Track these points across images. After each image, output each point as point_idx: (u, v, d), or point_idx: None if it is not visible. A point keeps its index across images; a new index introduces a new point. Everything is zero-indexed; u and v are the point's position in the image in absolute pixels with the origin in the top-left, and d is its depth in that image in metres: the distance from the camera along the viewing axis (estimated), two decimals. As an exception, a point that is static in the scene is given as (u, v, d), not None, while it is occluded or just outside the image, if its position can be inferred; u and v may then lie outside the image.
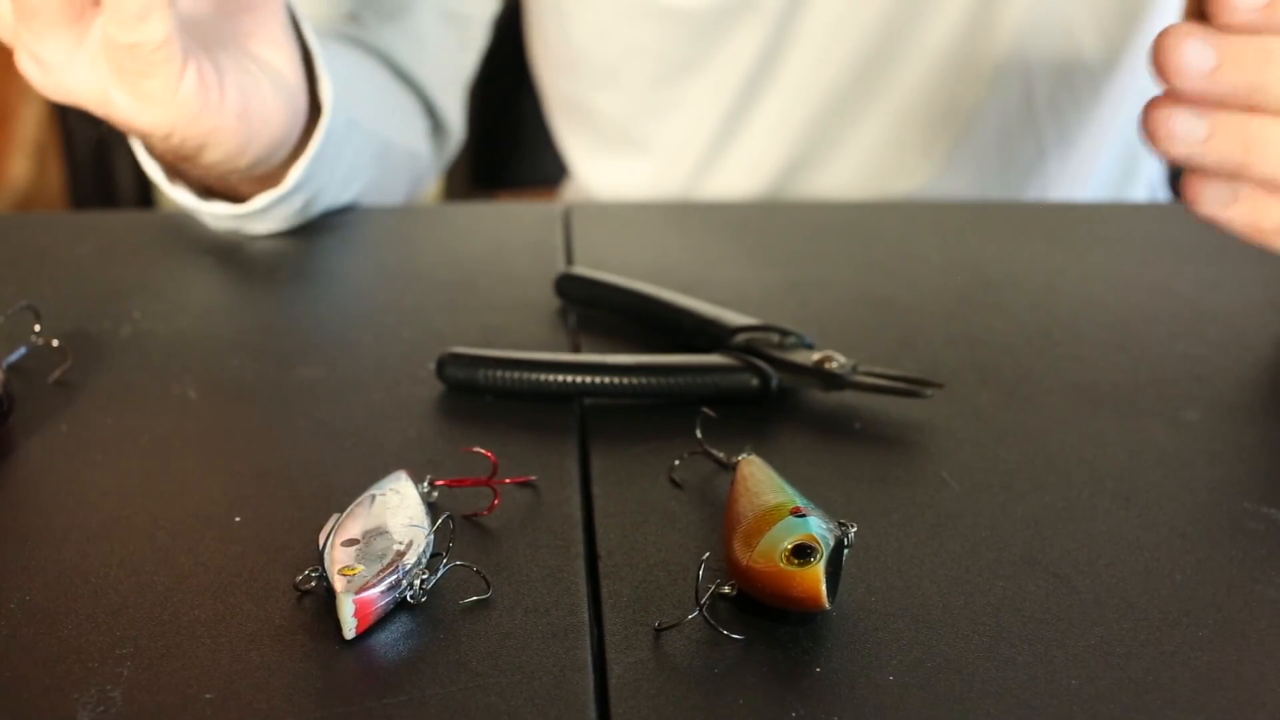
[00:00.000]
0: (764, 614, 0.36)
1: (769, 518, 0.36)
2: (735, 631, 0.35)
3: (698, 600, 0.35)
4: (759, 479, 0.39)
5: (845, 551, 0.36)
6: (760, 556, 0.35)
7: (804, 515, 0.36)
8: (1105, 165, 0.91)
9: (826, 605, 0.34)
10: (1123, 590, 0.38)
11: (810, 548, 0.34)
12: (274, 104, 0.57)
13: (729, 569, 0.36)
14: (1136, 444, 0.46)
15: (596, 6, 0.83)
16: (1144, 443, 0.46)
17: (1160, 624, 0.36)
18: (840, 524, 0.36)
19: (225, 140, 0.55)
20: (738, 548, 0.36)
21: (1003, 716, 0.32)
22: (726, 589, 0.36)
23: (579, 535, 0.40)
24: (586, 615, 0.36)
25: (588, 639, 0.35)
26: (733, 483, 0.40)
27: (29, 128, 1.83)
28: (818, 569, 0.34)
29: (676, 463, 0.43)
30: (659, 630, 0.35)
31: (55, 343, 0.50)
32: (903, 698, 0.33)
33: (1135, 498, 0.43)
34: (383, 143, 0.72)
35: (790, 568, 0.34)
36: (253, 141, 0.57)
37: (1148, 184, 0.97)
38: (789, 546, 0.35)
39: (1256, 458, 0.45)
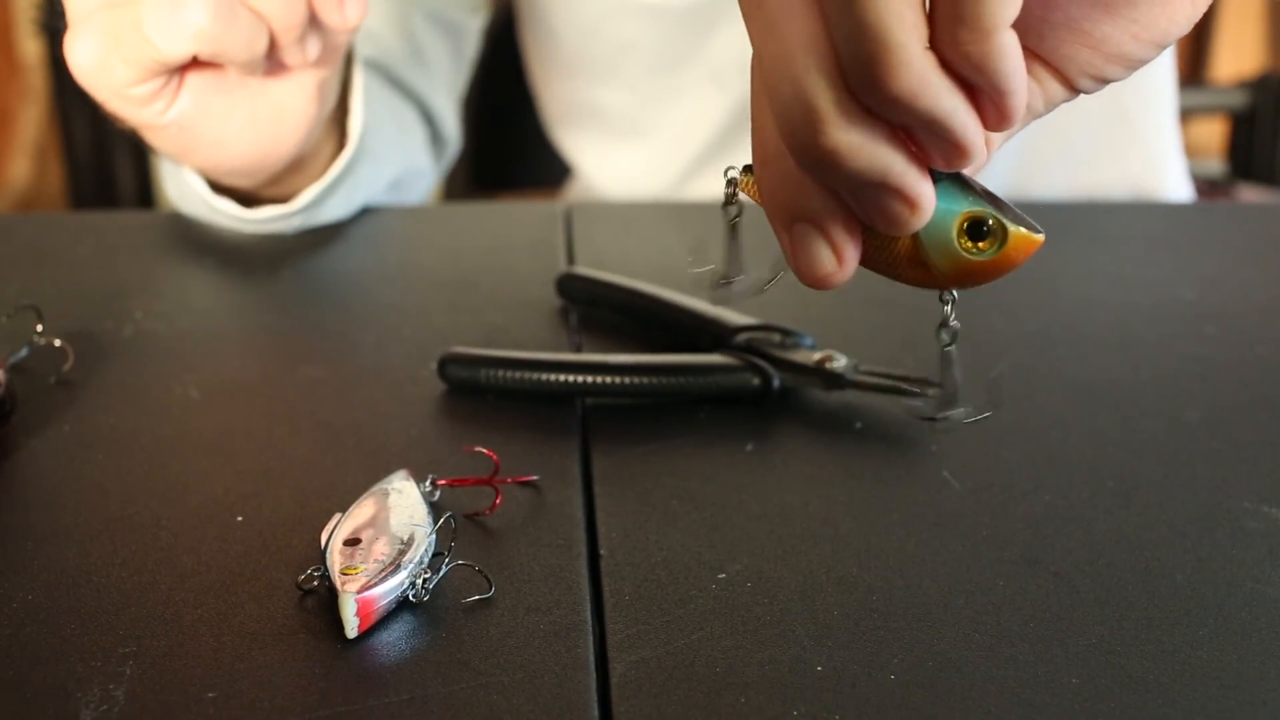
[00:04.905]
0: (767, 607, 0.36)
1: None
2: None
3: None
4: None
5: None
6: (944, 262, 0.29)
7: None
8: (1105, 166, 0.91)
9: (1043, 238, 0.28)
10: (1123, 590, 0.38)
11: (980, 221, 0.28)
12: (256, 131, 0.57)
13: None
14: (1136, 444, 0.46)
15: (580, 8, 0.83)
16: (1144, 443, 0.46)
17: (1160, 623, 0.36)
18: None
19: (163, 144, 0.58)
20: (912, 273, 0.29)
21: (1003, 716, 0.32)
22: None
23: (581, 534, 0.40)
24: (588, 614, 0.36)
25: (589, 638, 0.35)
26: None
27: (29, 128, 1.83)
28: (1020, 233, 0.27)
29: None
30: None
31: (57, 342, 0.50)
32: (904, 697, 0.33)
33: (1135, 498, 0.43)
34: (395, 167, 0.72)
35: (980, 255, 0.28)
36: (210, 152, 0.58)
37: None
38: (963, 231, 0.28)
39: (1256, 458, 0.45)
